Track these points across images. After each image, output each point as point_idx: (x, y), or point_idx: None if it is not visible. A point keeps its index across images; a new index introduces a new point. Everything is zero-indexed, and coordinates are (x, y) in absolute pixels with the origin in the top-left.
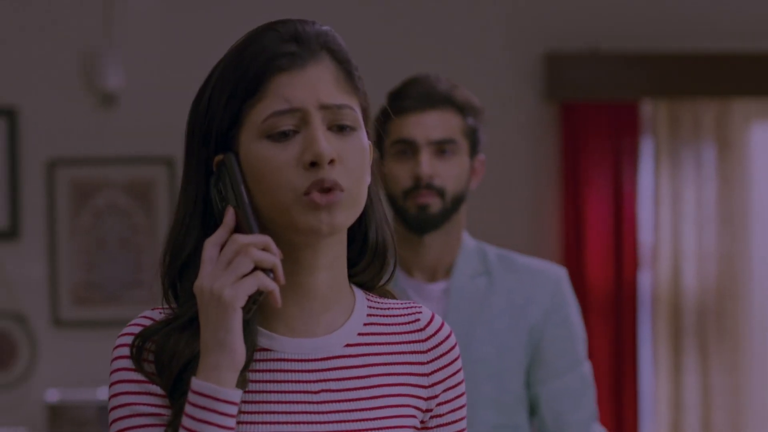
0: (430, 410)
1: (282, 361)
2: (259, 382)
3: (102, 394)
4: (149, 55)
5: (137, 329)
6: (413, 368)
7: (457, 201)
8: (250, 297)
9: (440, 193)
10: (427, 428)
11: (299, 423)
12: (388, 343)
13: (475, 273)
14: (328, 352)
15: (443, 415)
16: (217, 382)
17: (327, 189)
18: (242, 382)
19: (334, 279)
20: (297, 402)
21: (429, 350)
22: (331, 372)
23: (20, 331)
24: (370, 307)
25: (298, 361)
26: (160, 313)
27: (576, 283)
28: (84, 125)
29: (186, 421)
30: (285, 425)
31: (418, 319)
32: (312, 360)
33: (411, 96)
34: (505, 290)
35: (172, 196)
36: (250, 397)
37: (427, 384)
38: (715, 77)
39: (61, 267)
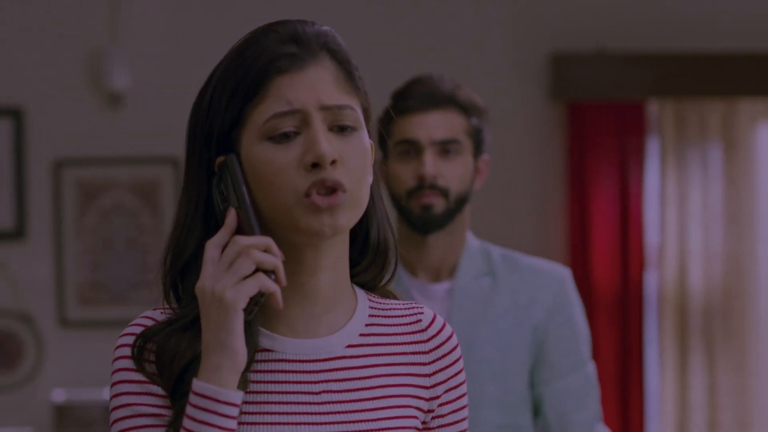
0: (432, 411)
1: (283, 362)
2: (260, 382)
3: (108, 394)
4: (155, 55)
5: (139, 329)
6: (415, 369)
7: (461, 201)
8: (251, 298)
9: (444, 193)
10: (429, 429)
11: (300, 424)
12: (390, 344)
13: (479, 273)
14: (330, 353)
15: (445, 415)
16: (218, 383)
17: (330, 190)
18: (243, 383)
19: (336, 280)
20: (298, 403)
21: (431, 351)
22: (332, 373)
23: (26, 331)
24: (372, 307)
25: (299, 361)
26: (162, 312)
27: (582, 283)
28: (90, 125)
29: (187, 423)
30: (286, 426)
31: (420, 320)
32: (313, 361)
33: (414, 96)
34: (509, 290)
35: (178, 196)
36: (251, 397)
37: (428, 384)
38: (721, 77)
39: (68, 267)
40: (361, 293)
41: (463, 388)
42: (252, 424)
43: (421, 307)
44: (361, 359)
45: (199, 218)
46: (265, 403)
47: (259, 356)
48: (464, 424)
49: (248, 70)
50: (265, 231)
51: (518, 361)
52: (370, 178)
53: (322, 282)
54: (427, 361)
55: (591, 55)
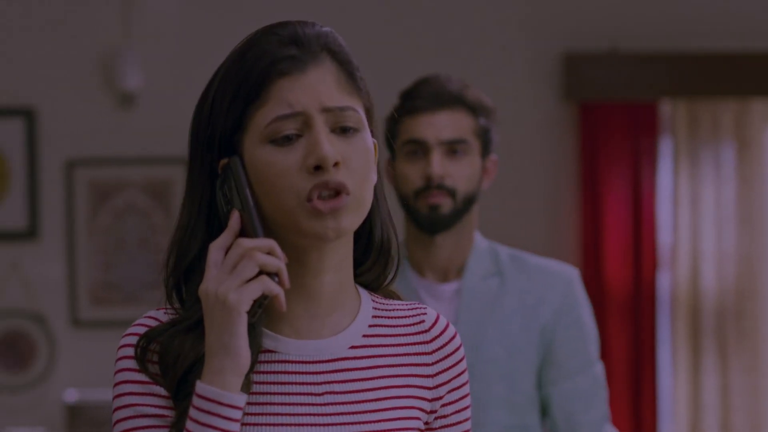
0: (435, 411)
1: (286, 363)
2: (263, 383)
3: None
4: (168, 55)
5: (142, 329)
6: (418, 369)
7: (469, 201)
8: (255, 301)
9: (451, 193)
10: (432, 429)
11: (303, 425)
12: (393, 345)
13: (486, 273)
14: (333, 354)
15: (448, 416)
16: (221, 386)
17: (333, 192)
18: (247, 385)
19: (339, 281)
20: (301, 404)
21: (434, 351)
22: (335, 374)
23: (39, 331)
24: (375, 308)
25: (302, 362)
26: (165, 313)
27: (594, 284)
28: (102, 125)
29: (190, 425)
30: (289, 427)
31: (423, 320)
32: (316, 362)
33: (422, 96)
34: (517, 291)
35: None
36: (254, 398)
37: (431, 385)
38: (734, 77)
39: (80, 267)
40: (364, 294)
41: (466, 389)
42: (255, 425)
43: (424, 308)
44: (364, 360)
45: (203, 220)
46: (268, 404)
47: (262, 357)
48: (467, 425)
49: (249, 73)
50: (269, 233)
51: (526, 361)
52: (373, 179)
53: (325, 283)
54: (430, 362)
55: (603, 55)
